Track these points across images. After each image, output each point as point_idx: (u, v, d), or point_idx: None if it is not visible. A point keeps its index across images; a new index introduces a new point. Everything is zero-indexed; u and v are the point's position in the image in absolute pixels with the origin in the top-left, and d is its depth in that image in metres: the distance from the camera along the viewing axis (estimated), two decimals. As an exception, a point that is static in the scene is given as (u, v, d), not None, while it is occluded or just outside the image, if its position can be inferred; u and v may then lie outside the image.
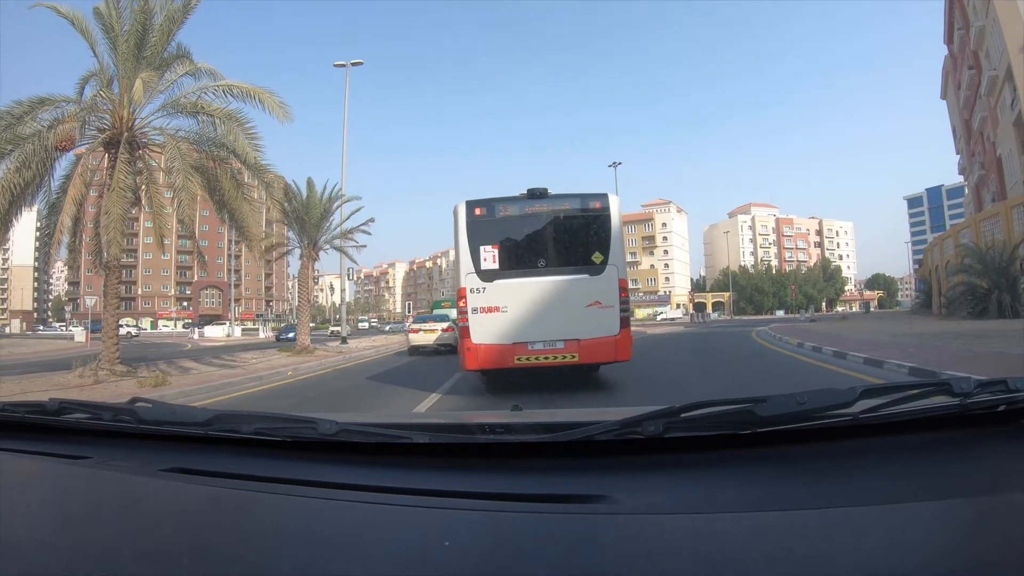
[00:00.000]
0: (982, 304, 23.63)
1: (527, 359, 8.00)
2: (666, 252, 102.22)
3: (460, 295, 8.22)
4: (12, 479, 1.28)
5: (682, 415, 1.11)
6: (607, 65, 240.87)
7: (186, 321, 71.83)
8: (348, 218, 23.11)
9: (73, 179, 11.30)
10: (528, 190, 8.31)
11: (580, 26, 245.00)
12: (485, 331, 8.04)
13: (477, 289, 8.10)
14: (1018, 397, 1.06)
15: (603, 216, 8.29)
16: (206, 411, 1.48)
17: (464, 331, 8.19)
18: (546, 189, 8.32)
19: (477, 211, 8.23)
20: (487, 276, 8.11)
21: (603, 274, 8.12)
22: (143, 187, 12.67)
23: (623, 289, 8.18)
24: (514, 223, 8.35)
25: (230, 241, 63.42)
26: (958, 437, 1.10)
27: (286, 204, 19.96)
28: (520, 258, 8.31)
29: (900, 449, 1.08)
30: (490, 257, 8.14)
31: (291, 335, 34.56)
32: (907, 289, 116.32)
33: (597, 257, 8.16)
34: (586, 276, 8.12)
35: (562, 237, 8.42)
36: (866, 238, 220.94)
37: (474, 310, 8.08)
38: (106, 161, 12.12)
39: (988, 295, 23.57)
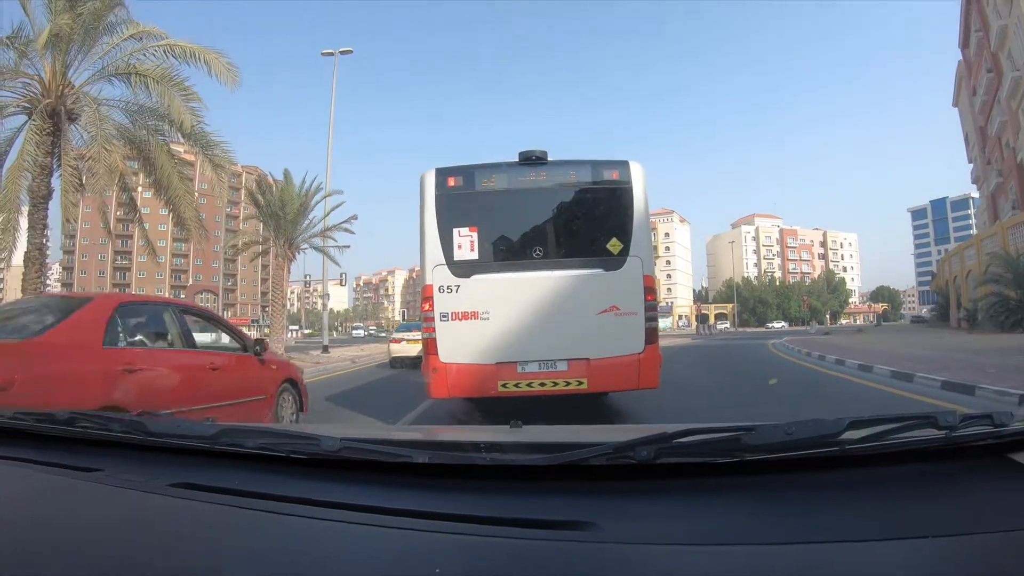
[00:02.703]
0: (1015, 316, 22.17)
1: (515, 385, 6.07)
2: (668, 263, 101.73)
3: (424, 295, 6.28)
4: (24, 490, 1.31)
5: (674, 441, 1.12)
6: (606, 72, 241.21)
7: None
8: (329, 213, 21.56)
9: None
10: (521, 154, 6.38)
11: (578, 30, 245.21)
12: (458, 345, 6.15)
13: (448, 287, 6.19)
14: (1003, 432, 1.05)
15: (622, 190, 6.39)
16: (213, 425, 1.50)
17: (429, 344, 6.25)
18: (545, 153, 6.40)
19: (450, 181, 6.32)
20: (462, 270, 6.22)
21: (623, 268, 6.25)
22: (73, 164, 10.96)
23: (650, 290, 6.27)
24: (501, 199, 6.46)
25: (229, 245, 62.40)
26: (944, 470, 1.08)
27: (259, 197, 18.37)
28: (508, 246, 6.44)
29: (885, 482, 1.07)
30: (467, 244, 6.22)
31: None
32: (911, 302, 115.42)
33: (614, 245, 6.28)
34: (599, 271, 6.27)
35: (566, 218, 6.54)
36: (869, 250, 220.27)
37: (443, 316, 6.16)
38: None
39: (1020, 306, 22.17)
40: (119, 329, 4.71)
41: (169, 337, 5.31)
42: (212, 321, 6.35)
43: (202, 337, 5.95)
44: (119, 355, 4.56)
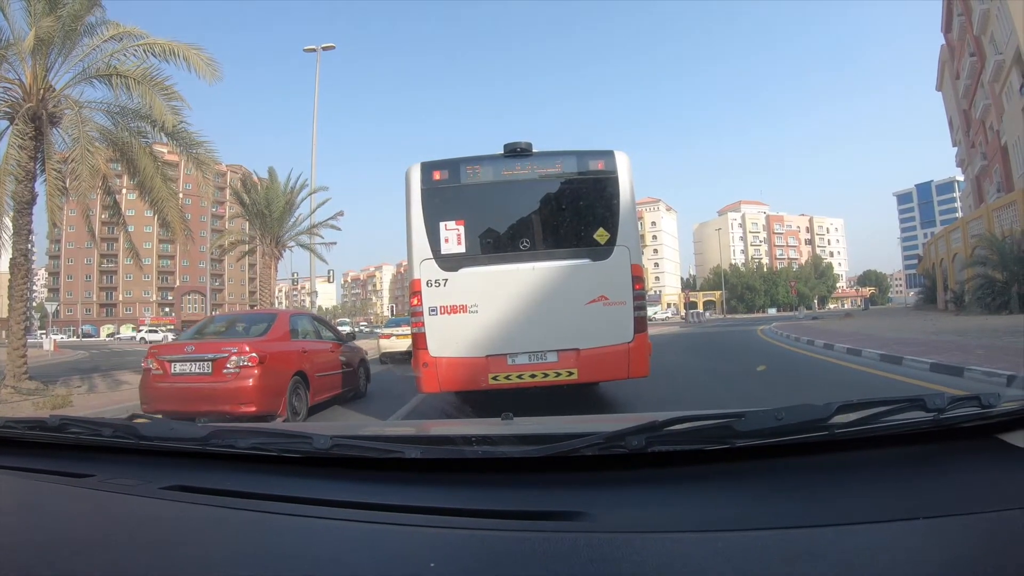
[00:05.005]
0: (1001, 298, 22.34)
1: (506, 378, 6.07)
2: (656, 251, 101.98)
3: (413, 290, 6.27)
4: (17, 498, 1.32)
5: (665, 429, 1.12)
6: (588, 61, 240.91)
7: (150, 327, 68.41)
8: (315, 210, 21.38)
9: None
10: (506, 146, 6.36)
11: (560, 19, 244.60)
12: (447, 339, 6.16)
13: (436, 281, 6.20)
14: (990, 412, 1.05)
15: (608, 180, 6.37)
16: (204, 427, 1.48)
17: (418, 339, 6.25)
18: (530, 144, 6.39)
19: (436, 175, 6.29)
20: (449, 263, 6.22)
21: (610, 258, 6.24)
22: (57, 168, 10.84)
23: (638, 279, 6.26)
24: (487, 191, 6.43)
25: (216, 245, 61.59)
26: (933, 452, 1.09)
27: (244, 196, 18.20)
28: (495, 238, 6.43)
29: (875, 465, 1.08)
30: (454, 237, 6.22)
31: None
32: (899, 285, 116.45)
33: (601, 235, 6.26)
34: (587, 261, 6.25)
35: (553, 209, 6.51)
36: (856, 235, 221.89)
37: (432, 310, 6.16)
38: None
39: (1007, 288, 22.31)
40: (294, 329, 8.01)
41: (309, 332, 8.57)
42: (323, 323, 9.67)
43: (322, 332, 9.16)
44: (299, 344, 7.92)
